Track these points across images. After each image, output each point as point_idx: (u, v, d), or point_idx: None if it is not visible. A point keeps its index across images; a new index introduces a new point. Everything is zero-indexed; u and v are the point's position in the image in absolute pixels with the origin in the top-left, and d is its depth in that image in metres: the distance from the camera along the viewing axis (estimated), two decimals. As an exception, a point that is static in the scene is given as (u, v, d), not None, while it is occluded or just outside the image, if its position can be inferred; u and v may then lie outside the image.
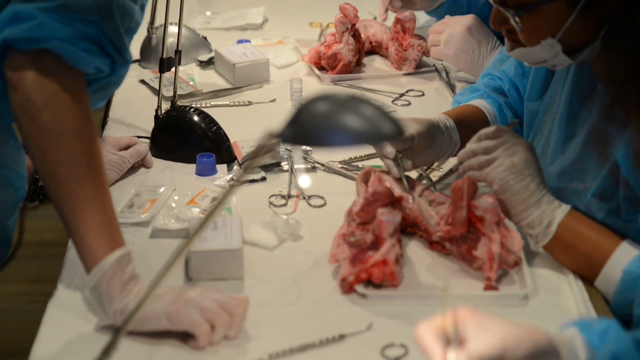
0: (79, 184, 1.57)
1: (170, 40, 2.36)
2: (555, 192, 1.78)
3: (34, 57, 1.55)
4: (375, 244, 1.70)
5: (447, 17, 2.51)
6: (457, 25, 2.43)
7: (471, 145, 1.80)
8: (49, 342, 1.59)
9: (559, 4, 1.67)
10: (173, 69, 2.22)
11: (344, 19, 2.48)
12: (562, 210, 1.73)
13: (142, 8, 1.65)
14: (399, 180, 1.88)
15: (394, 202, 1.75)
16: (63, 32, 1.54)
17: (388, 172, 1.91)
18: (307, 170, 2.09)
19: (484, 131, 1.81)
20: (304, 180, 1.76)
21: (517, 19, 1.69)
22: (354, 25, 2.51)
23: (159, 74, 2.18)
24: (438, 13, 2.70)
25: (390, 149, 1.87)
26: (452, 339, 1.25)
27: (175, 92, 2.22)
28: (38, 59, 1.55)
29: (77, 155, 1.56)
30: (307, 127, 1.12)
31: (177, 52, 2.17)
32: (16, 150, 1.79)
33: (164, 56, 2.11)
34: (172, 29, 2.33)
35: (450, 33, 2.43)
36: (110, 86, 1.68)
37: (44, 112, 1.55)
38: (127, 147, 2.08)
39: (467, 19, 2.43)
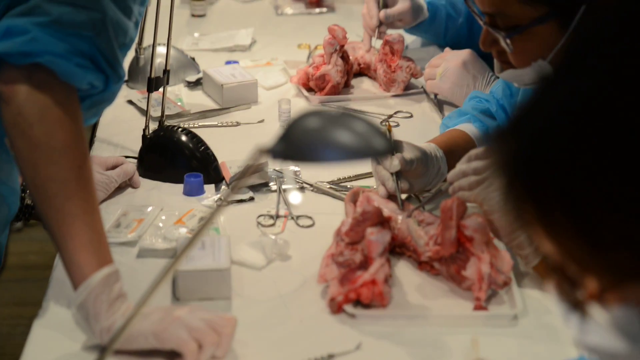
0: (68, 200, 1.55)
1: (159, 60, 2.36)
2: None
3: (27, 72, 1.54)
4: (364, 264, 1.69)
5: (447, 50, 2.52)
6: (453, 60, 2.43)
7: (461, 165, 1.80)
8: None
9: (550, 26, 1.67)
10: (161, 89, 2.22)
11: (333, 40, 2.48)
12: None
13: (137, 25, 1.64)
14: (388, 199, 1.87)
15: (383, 222, 1.74)
16: (56, 47, 1.53)
17: (376, 192, 1.90)
18: (296, 191, 2.08)
19: (473, 152, 1.80)
20: (295, 197, 1.75)
21: (508, 41, 1.69)
22: (342, 46, 2.51)
23: (146, 94, 2.17)
24: (418, 30, 2.71)
25: (395, 162, 1.86)
26: None
27: (163, 111, 2.21)
28: (31, 73, 1.54)
29: (68, 171, 1.55)
30: (298, 143, 1.11)
31: (165, 71, 2.16)
32: (8, 164, 1.78)
33: (152, 76, 2.10)
34: (160, 50, 2.32)
35: (446, 67, 2.43)
36: (103, 102, 1.67)
37: (36, 127, 1.54)
38: (114, 167, 2.07)
39: (464, 54, 2.43)
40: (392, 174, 1.88)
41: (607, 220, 0.93)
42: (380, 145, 1.11)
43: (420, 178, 1.93)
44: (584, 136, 0.93)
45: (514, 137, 0.99)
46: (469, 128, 2.09)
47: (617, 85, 0.91)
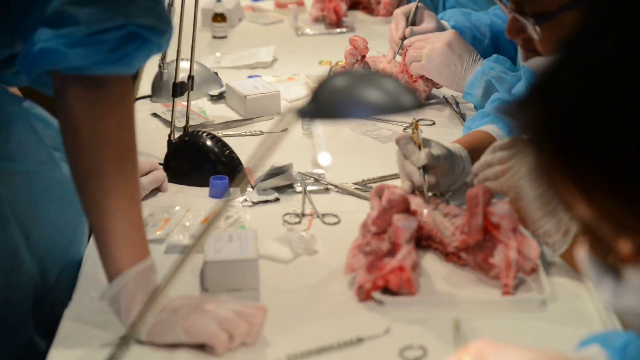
0: (106, 194, 1.56)
1: (182, 75, 2.38)
2: None
3: (75, 76, 1.55)
4: (392, 251, 1.70)
5: (423, 26, 2.54)
6: (438, 41, 2.45)
7: (486, 157, 1.81)
8: (64, 351, 1.58)
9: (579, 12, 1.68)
10: (184, 103, 2.25)
11: (354, 50, 2.50)
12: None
13: None
14: (413, 194, 1.88)
15: (409, 210, 1.74)
16: (94, 57, 1.52)
17: (402, 189, 1.91)
18: (320, 192, 2.09)
19: (498, 143, 1.82)
20: (324, 158, 1.75)
21: (537, 27, 1.70)
22: (363, 57, 2.53)
23: (171, 107, 2.20)
24: None
25: (422, 156, 1.87)
26: None
27: (187, 117, 2.23)
28: (79, 77, 1.55)
29: (108, 165, 1.56)
30: (327, 102, 1.13)
31: (190, 77, 2.19)
32: None
33: (177, 81, 2.12)
34: (184, 64, 2.34)
35: (431, 48, 2.44)
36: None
37: (80, 121, 1.55)
38: (149, 172, 2.09)
39: (447, 35, 2.45)
40: (418, 168, 1.89)
41: None
42: (408, 101, 1.12)
43: (445, 176, 1.93)
44: (617, 94, 0.93)
45: (541, 102, 0.98)
46: (492, 129, 2.09)
47: None
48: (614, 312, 1.14)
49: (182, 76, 2.36)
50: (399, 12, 2.63)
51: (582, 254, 1.07)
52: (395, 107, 1.12)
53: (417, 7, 2.61)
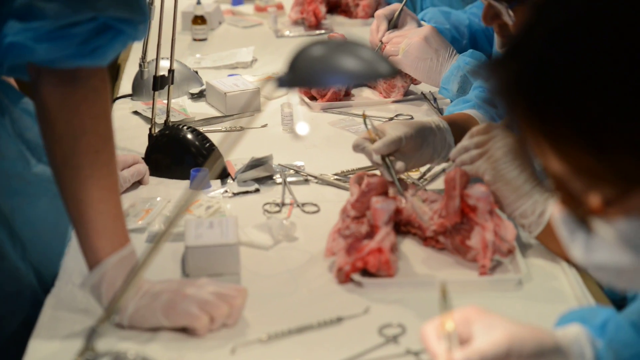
0: (83, 185, 1.57)
1: (162, 73, 2.40)
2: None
3: (48, 68, 1.55)
4: (371, 234, 1.72)
5: (405, 29, 2.56)
6: (415, 36, 2.47)
7: (463, 142, 1.84)
8: (45, 336, 1.59)
9: None
10: (165, 101, 2.27)
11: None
12: (554, 200, 1.75)
13: None
14: (391, 183, 1.90)
15: (387, 193, 1.77)
16: (63, 51, 1.52)
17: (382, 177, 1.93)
18: (300, 183, 2.12)
19: (475, 128, 1.84)
20: (302, 127, 1.75)
21: (510, 12, 1.73)
22: (342, 53, 2.55)
23: (151, 105, 2.22)
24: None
25: (375, 154, 1.87)
26: (455, 338, 1.26)
27: (168, 110, 2.25)
28: (51, 70, 1.55)
29: (82, 157, 1.57)
30: (304, 70, 1.15)
31: (170, 71, 2.21)
32: None
33: (157, 74, 2.15)
34: (164, 63, 2.36)
35: (408, 43, 2.47)
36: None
37: (54, 114, 1.56)
38: (130, 165, 2.10)
39: (424, 29, 2.48)
40: (383, 161, 1.89)
41: (613, 127, 0.98)
42: (384, 69, 1.15)
43: (418, 151, 1.92)
44: (584, 49, 0.98)
45: (514, 59, 1.03)
46: (474, 113, 2.12)
47: None
48: (587, 269, 1.15)
49: (163, 74, 2.39)
50: (381, 13, 2.65)
51: (555, 211, 1.11)
52: (372, 74, 1.15)
53: (401, 10, 2.63)
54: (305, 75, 1.15)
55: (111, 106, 1.61)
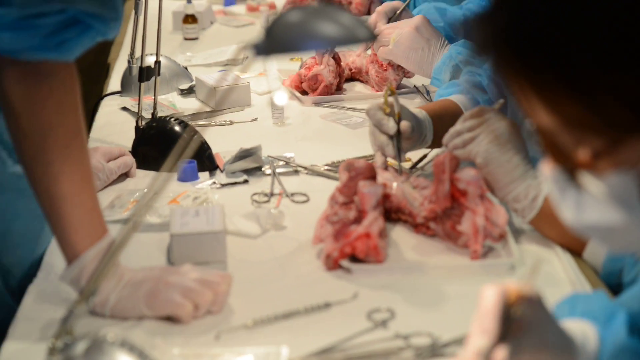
0: (54, 182, 1.52)
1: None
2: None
3: (10, 60, 1.49)
4: (359, 219, 1.68)
5: (398, 21, 2.53)
6: (406, 25, 2.44)
7: (456, 126, 1.80)
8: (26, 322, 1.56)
9: None
10: (153, 97, 2.25)
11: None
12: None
13: None
14: (383, 169, 1.86)
15: (375, 177, 1.73)
16: (28, 41, 1.45)
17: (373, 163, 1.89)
18: (289, 174, 2.08)
19: (468, 112, 1.81)
20: (280, 97, 1.70)
21: None
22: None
23: (138, 100, 2.19)
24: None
25: (392, 124, 1.85)
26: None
27: (155, 103, 2.21)
28: (14, 61, 1.49)
29: (52, 153, 1.52)
30: (282, 36, 1.12)
31: (157, 62, 2.17)
32: None
33: (143, 65, 2.11)
34: (152, 59, 2.32)
35: (399, 33, 2.44)
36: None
37: (19, 110, 1.50)
38: (118, 157, 2.07)
39: (416, 19, 2.45)
40: (391, 137, 1.86)
41: (601, 74, 0.96)
42: (362, 34, 1.11)
43: (412, 144, 1.92)
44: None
45: (501, 10, 1.02)
46: (461, 99, 2.09)
47: None
48: (579, 230, 1.11)
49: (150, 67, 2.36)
50: (381, 10, 2.62)
51: (545, 170, 1.08)
52: (350, 39, 1.11)
53: (403, 9, 2.60)
54: (283, 42, 1.11)
55: (81, 100, 1.53)
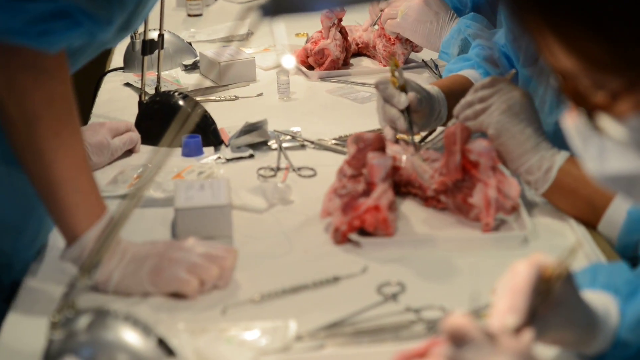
0: (47, 169, 1.48)
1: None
2: (554, 143, 1.72)
3: None
4: (367, 192, 1.64)
5: None
6: None
7: (467, 97, 1.76)
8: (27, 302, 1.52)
9: None
10: (157, 73, 2.21)
11: (330, 13, 2.45)
12: (561, 156, 1.67)
13: None
14: (392, 143, 1.82)
15: (384, 149, 1.69)
16: (11, 23, 1.40)
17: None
18: (296, 149, 2.04)
19: (479, 83, 1.77)
20: (288, 60, 1.65)
21: None
22: (340, 20, 2.48)
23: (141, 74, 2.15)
24: None
25: (403, 99, 1.81)
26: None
27: (159, 77, 2.17)
28: None
29: (42, 141, 1.47)
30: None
31: (160, 35, 2.13)
32: None
33: (146, 38, 2.07)
34: (154, 34, 2.28)
35: (408, 6, 2.40)
36: (103, 46, 1.60)
37: (5, 100, 1.46)
38: (125, 132, 2.03)
39: None
40: (402, 111, 1.82)
41: (622, 15, 0.93)
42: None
43: (423, 119, 1.88)
44: None
45: None
46: (472, 74, 2.05)
47: None
48: (602, 182, 1.07)
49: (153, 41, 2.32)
50: None
51: (568, 122, 1.04)
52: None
53: None
54: (290, 1, 1.07)
55: (72, 89, 1.49)
